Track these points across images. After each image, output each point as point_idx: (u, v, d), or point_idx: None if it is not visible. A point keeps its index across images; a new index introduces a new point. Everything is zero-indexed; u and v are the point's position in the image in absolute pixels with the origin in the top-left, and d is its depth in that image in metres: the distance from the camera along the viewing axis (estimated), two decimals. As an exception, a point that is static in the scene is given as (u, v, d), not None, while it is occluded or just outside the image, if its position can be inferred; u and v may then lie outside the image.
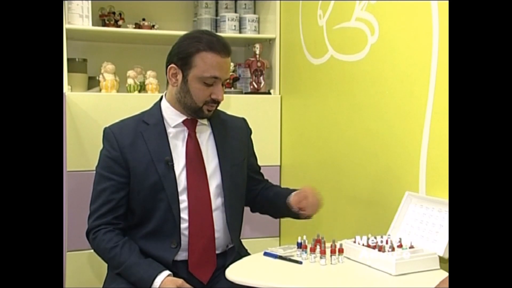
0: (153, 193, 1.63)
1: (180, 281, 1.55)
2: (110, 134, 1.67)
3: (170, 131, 1.68)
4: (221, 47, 1.61)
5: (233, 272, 1.45)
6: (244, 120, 1.87)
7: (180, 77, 1.63)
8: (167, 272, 1.56)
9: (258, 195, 1.85)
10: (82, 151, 2.38)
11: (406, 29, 1.79)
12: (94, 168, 1.70)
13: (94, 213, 1.65)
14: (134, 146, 1.64)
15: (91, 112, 2.41)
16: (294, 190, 1.75)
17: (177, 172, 1.65)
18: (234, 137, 1.78)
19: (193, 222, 1.64)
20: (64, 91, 2.36)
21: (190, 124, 1.69)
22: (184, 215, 1.64)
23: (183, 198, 1.65)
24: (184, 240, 1.65)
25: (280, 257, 1.55)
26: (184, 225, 1.64)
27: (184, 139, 1.68)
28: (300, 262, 1.51)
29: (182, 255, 1.66)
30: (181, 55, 1.62)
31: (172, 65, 1.63)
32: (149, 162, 1.63)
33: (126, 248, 1.60)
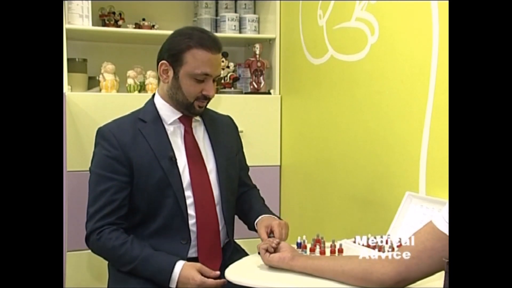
0: (159, 189, 1.62)
1: (198, 265, 1.56)
2: (109, 133, 1.63)
3: (168, 128, 1.68)
4: (212, 43, 1.61)
5: (232, 272, 1.45)
6: (230, 117, 1.89)
7: (171, 73, 1.63)
8: (184, 261, 1.56)
9: (239, 198, 1.83)
10: (82, 151, 2.37)
11: (406, 29, 1.79)
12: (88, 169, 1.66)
13: (95, 215, 1.60)
14: (135, 144, 1.63)
15: (91, 112, 2.41)
16: (266, 210, 1.75)
17: (180, 168, 1.65)
18: (225, 132, 1.80)
19: (200, 217, 1.65)
20: (64, 91, 2.36)
21: (186, 121, 1.70)
22: (191, 211, 1.64)
23: (189, 194, 1.65)
24: (193, 236, 1.65)
25: None
26: (192, 221, 1.64)
27: (181, 136, 1.69)
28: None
29: (190, 252, 1.65)
30: (171, 51, 1.62)
31: (163, 61, 1.63)
32: (152, 159, 1.62)
33: (136, 243, 1.58)
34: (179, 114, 1.68)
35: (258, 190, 1.92)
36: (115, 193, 1.60)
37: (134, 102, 2.39)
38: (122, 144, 1.62)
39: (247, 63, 2.76)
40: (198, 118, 1.73)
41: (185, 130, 1.70)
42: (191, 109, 1.66)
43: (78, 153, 2.37)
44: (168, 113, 1.68)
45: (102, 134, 1.65)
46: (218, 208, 1.69)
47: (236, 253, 1.71)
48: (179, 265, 1.54)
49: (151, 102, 1.72)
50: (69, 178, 2.34)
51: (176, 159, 1.64)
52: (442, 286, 1.03)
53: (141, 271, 1.56)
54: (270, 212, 1.75)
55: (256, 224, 1.70)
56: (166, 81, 1.65)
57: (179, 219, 1.63)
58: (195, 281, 1.51)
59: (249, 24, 2.78)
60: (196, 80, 1.61)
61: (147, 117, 1.68)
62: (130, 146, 1.62)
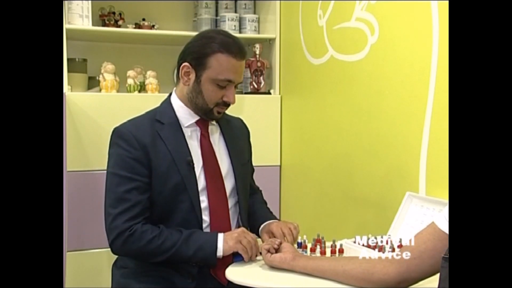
0: (175, 194, 1.58)
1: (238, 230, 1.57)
2: (128, 134, 1.57)
3: (185, 130, 1.64)
4: (237, 49, 1.57)
5: (233, 272, 1.45)
6: (241, 120, 1.87)
7: (193, 76, 1.59)
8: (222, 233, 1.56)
9: None
10: (82, 151, 2.38)
11: (406, 29, 1.79)
12: (105, 169, 1.60)
13: (122, 216, 1.52)
14: (154, 146, 1.58)
15: (91, 112, 2.41)
16: (271, 216, 1.77)
17: (196, 172, 1.61)
18: (239, 137, 1.78)
19: (213, 222, 1.62)
20: (64, 91, 2.36)
21: (203, 125, 1.67)
22: (205, 216, 1.61)
23: (203, 198, 1.62)
24: None
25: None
26: (204, 225, 1.62)
27: (198, 139, 1.66)
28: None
29: None
30: (195, 54, 1.58)
31: (186, 63, 1.59)
32: (171, 163, 1.58)
33: (171, 229, 1.55)
34: (197, 118, 1.65)
35: (261, 191, 1.91)
36: (139, 194, 1.55)
37: (134, 102, 2.42)
38: (142, 145, 1.57)
39: (247, 63, 2.75)
40: (214, 122, 1.71)
41: (201, 134, 1.66)
42: (209, 114, 1.63)
43: (78, 153, 2.37)
44: (185, 116, 1.64)
45: (120, 134, 1.59)
46: (231, 213, 1.68)
47: None
48: (221, 234, 1.53)
49: (167, 102, 1.67)
50: (69, 178, 2.34)
51: (193, 164, 1.61)
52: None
53: (184, 252, 1.52)
54: (274, 218, 1.76)
55: (260, 231, 1.71)
56: (187, 83, 1.61)
57: (193, 224, 1.59)
58: (249, 234, 1.54)
59: (249, 24, 2.78)
60: (218, 86, 1.57)
61: (164, 118, 1.63)
62: (150, 147, 1.58)
